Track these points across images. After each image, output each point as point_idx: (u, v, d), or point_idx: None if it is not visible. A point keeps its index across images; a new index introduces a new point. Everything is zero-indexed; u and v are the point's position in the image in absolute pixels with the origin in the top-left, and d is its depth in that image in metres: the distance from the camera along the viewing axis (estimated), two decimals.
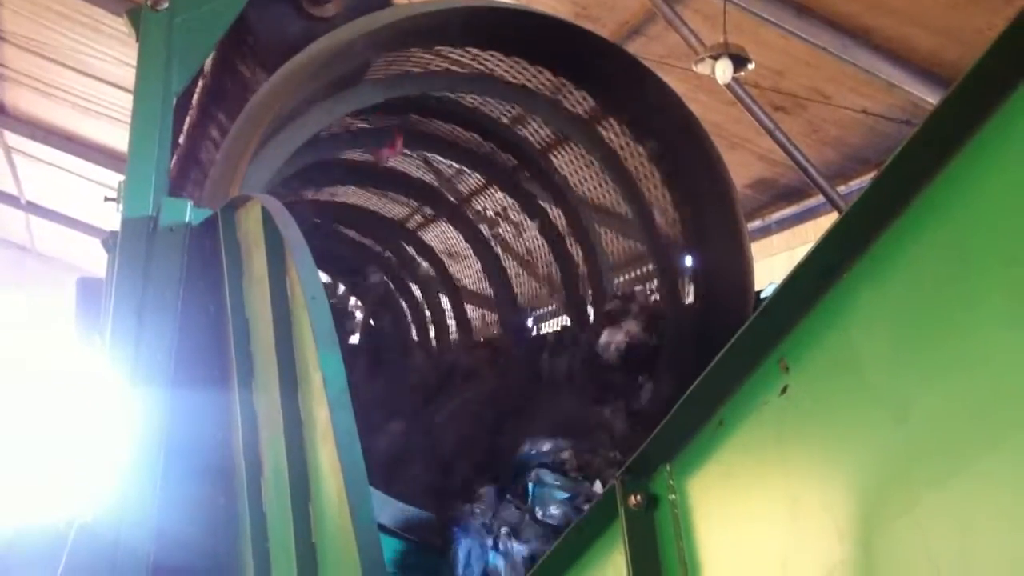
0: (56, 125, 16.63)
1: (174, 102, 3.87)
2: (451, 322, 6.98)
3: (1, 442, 14.45)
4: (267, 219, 2.91)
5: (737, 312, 4.15)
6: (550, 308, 5.98)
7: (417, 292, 7.35)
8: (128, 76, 11.22)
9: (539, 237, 5.72)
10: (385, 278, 7.53)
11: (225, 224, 3.39)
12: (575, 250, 5.45)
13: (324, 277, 7.43)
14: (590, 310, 5.33)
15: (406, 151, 5.76)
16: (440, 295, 7.09)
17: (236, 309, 3.22)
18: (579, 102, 4.63)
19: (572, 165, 5.18)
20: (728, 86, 8.29)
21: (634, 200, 4.73)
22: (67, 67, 13.98)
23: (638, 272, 5.08)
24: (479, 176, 5.79)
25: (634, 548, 1.55)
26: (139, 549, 3.25)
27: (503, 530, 3.18)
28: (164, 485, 3.30)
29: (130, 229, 3.62)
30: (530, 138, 5.21)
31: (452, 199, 6.30)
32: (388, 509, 3.07)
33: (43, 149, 17.26)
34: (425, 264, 7.08)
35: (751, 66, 7.89)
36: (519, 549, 3.13)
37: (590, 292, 5.35)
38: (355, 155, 5.79)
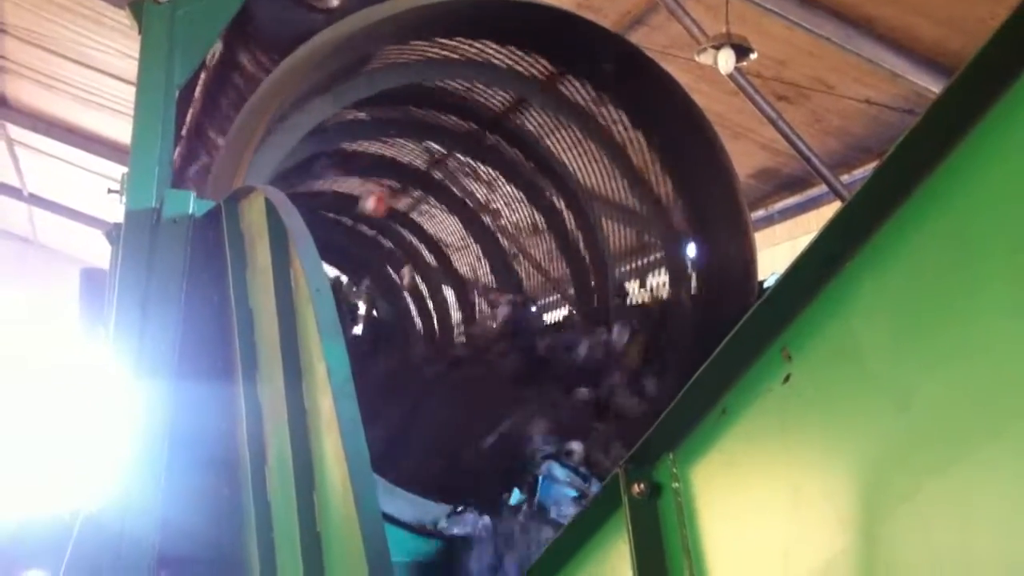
0: (58, 117, 16.62)
1: (177, 94, 3.87)
2: (455, 313, 6.98)
3: (6, 436, 14.48)
4: (271, 210, 2.92)
5: (740, 301, 4.15)
6: (552, 299, 5.98)
7: (420, 283, 7.34)
8: (130, 68, 11.20)
9: (542, 227, 5.72)
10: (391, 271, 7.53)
11: (228, 215, 3.39)
12: (579, 240, 5.44)
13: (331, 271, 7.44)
14: (594, 302, 5.33)
15: (404, 141, 5.79)
16: (444, 286, 7.09)
17: (240, 300, 3.22)
18: (581, 92, 4.64)
19: (576, 157, 5.18)
20: (731, 76, 8.27)
21: (638, 190, 4.73)
22: (69, 59, 13.97)
23: (641, 263, 5.09)
24: (479, 165, 5.79)
25: (638, 536, 1.55)
26: (144, 540, 3.26)
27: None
28: (169, 476, 3.31)
29: (134, 221, 3.63)
30: (531, 128, 5.21)
31: (454, 189, 6.30)
32: (392, 498, 3.08)
33: (45, 141, 17.25)
34: (428, 254, 7.09)
35: (754, 56, 7.87)
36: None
37: (593, 283, 5.35)
38: (357, 146, 5.80)
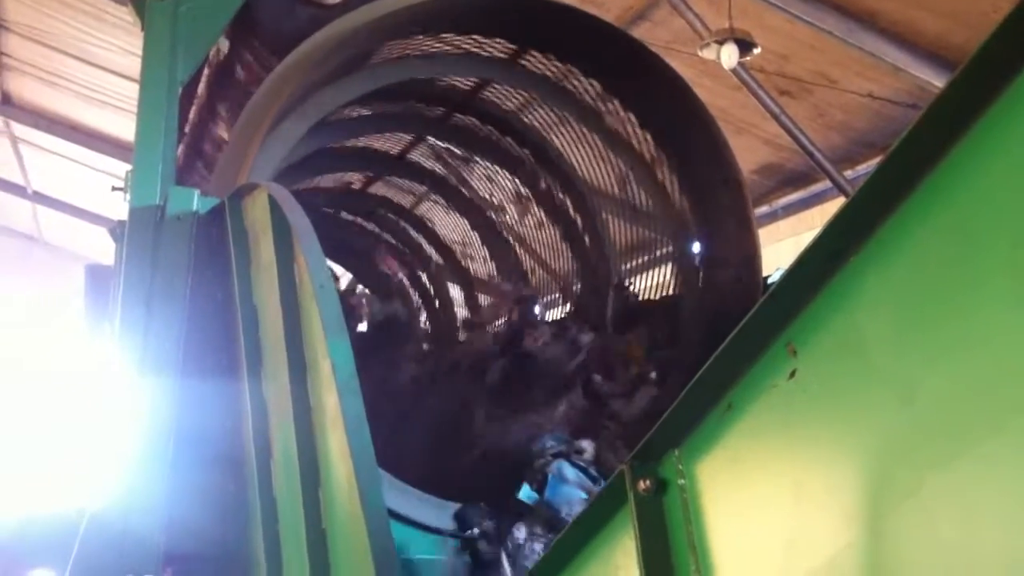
0: (61, 114, 16.62)
1: (180, 91, 3.87)
2: (460, 310, 6.98)
3: (12, 434, 14.50)
4: (274, 207, 2.92)
5: (744, 297, 4.15)
6: (556, 296, 5.98)
7: (425, 280, 7.34)
8: (133, 65, 11.20)
9: (547, 223, 5.72)
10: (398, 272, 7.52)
11: (232, 212, 3.40)
12: (583, 236, 5.44)
13: (337, 269, 7.44)
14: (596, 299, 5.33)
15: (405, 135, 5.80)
16: (450, 283, 7.09)
17: (244, 297, 3.22)
18: (586, 87, 4.64)
19: (581, 153, 5.18)
20: (733, 71, 8.27)
21: (641, 186, 4.73)
22: (71, 56, 13.97)
23: (644, 258, 5.09)
24: (485, 162, 5.79)
25: (643, 532, 1.55)
26: (149, 538, 3.27)
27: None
28: (174, 473, 3.31)
29: (138, 218, 3.63)
30: (537, 124, 5.21)
31: (460, 186, 6.30)
32: (398, 494, 3.08)
33: (49, 139, 17.25)
34: (434, 252, 7.08)
35: (756, 51, 7.87)
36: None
37: (598, 280, 5.35)
38: (361, 142, 5.80)
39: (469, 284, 6.85)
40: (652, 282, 4.96)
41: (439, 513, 3.20)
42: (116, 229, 4.41)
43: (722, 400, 1.48)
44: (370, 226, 7.33)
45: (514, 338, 5.29)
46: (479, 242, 6.50)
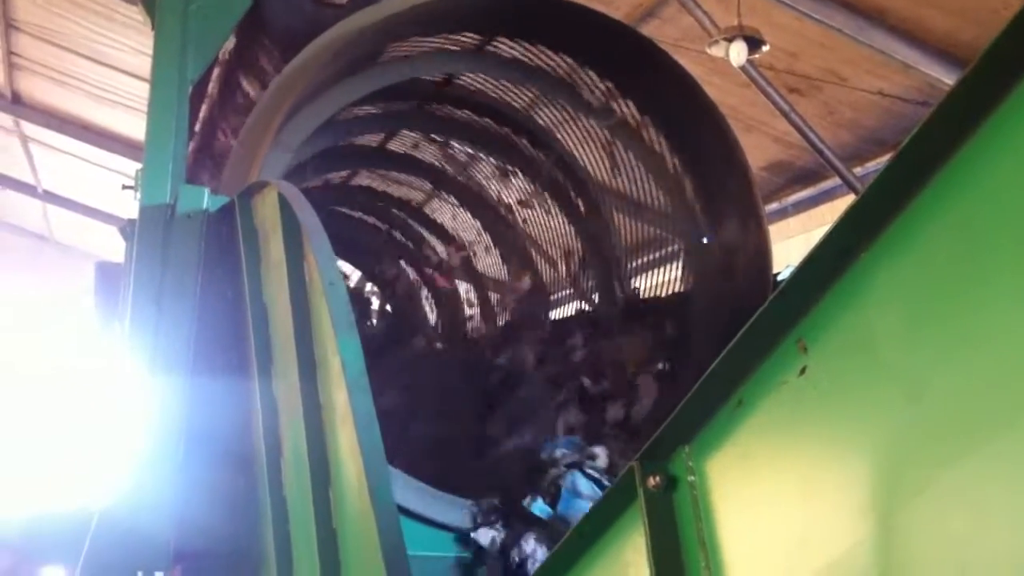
0: (72, 114, 16.65)
1: (190, 90, 3.88)
2: (469, 309, 6.98)
3: (22, 432, 14.54)
4: (284, 205, 2.93)
5: (755, 294, 4.15)
6: (566, 292, 5.98)
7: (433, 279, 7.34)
8: (143, 65, 11.23)
9: (556, 220, 5.72)
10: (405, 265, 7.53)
11: (242, 210, 3.40)
12: (592, 233, 5.44)
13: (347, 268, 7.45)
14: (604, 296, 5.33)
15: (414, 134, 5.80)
16: (459, 281, 7.09)
17: (254, 295, 3.23)
18: (596, 85, 4.64)
19: (589, 150, 5.18)
20: (743, 68, 8.26)
21: (651, 184, 4.73)
22: (82, 56, 13.99)
23: (652, 256, 5.09)
24: (494, 160, 5.80)
25: (653, 529, 1.55)
26: (159, 535, 3.28)
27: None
28: (184, 471, 3.32)
29: (148, 217, 3.64)
30: (545, 122, 5.21)
31: (468, 184, 6.30)
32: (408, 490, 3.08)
33: (59, 138, 17.28)
34: (442, 249, 7.09)
35: (765, 48, 7.86)
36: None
37: (607, 277, 5.35)
38: (368, 140, 5.81)
39: (479, 281, 6.85)
40: (660, 279, 4.96)
41: (450, 509, 3.20)
42: (126, 228, 4.42)
43: (732, 396, 1.48)
44: (382, 225, 7.35)
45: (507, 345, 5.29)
46: (489, 239, 6.50)
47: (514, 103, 5.20)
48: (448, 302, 7.15)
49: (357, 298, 7.29)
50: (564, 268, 5.86)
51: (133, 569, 3.27)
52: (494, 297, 6.71)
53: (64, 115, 16.74)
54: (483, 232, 6.51)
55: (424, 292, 7.41)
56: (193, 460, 3.33)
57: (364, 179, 6.70)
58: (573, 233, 5.62)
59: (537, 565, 3.02)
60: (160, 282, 3.52)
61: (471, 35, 4.54)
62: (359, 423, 2.28)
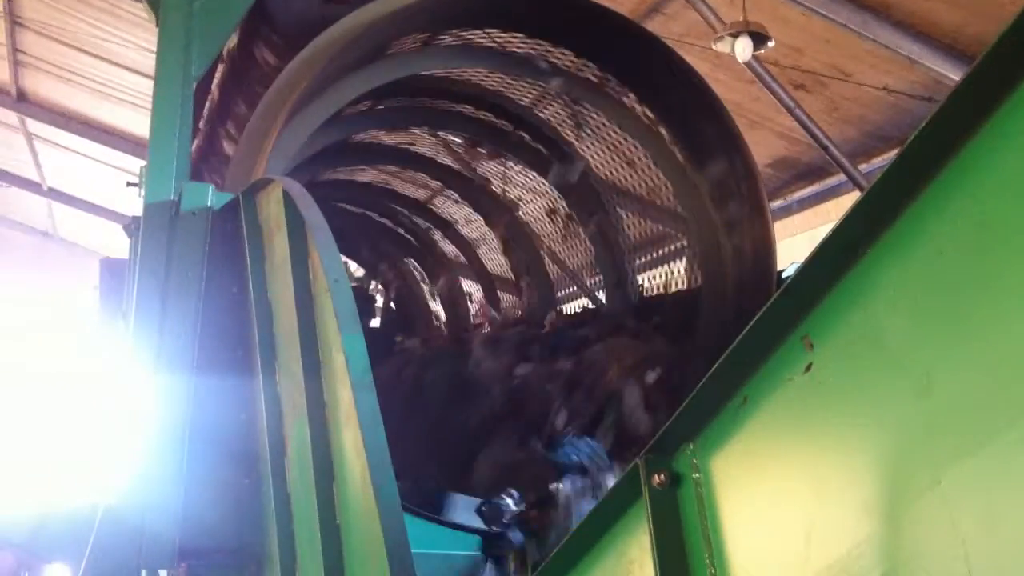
0: (76, 111, 16.69)
1: (194, 86, 3.87)
2: (472, 305, 6.98)
3: (28, 430, 14.56)
4: (288, 202, 2.92)
5: (759, 291, 4.14)
6: (571, 290, 5.98)
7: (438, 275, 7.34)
8: (147, 62, 11.25)
9: (561, 219, 5.71)
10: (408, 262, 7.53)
11: (247, 207, 3.40)
12: (596, 231, 5.44)
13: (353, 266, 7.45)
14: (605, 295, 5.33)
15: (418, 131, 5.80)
16: (464, 279, 7.09)
17: (259, 292, 3.23)
18: (601, 81, 4.63)
19: (595, 147, 5.17)
20: (748, 64, 8.26)
21: (657, 179, 4.73)
22: (86, 53, 14.02)
23: (656, 253, 5.08)
24: (500, 154, 5.79)
25: (658, 526, 1.55)
26: (164, 533, 3.27)
27: None
28: (189, 469, 3.31)
29: (152, 214, 3.63)
30: (551, 119, 5.21)
31: (473, 179, 6.30)
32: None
33: (64, 135, 17.33)
34: (450, 246, 7.09)
35: (771, 44, 7.86)
36: None
37: (609, 274, 5.35)
38: (371, 136, 5.81)
39: (486, 280, 6.85)
40: (665, 277, 4.95)
41: (459, 508, 3.20)
42: (131, 225, 4.42)
43: (737, 394, 1.48)
44: (388, 224, 7.35)
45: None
46: (495, 238, 6.49)
47: (520, 100, 5.19)
48: (453, 301, 7.15)
49: (360, 295, 7.30)
50: (575, 267, 5.86)
51: (138, 567, 3.26)
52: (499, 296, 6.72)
53: (69, 112, 16.78)
54: (488, 228, 6.51)
55: (427, 288, 7.43)
56: (197, 457, 3.32)
57: (370, 175, 6.70)
58: (582, 232, 5.61)
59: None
60: (164, 279, 3.51)
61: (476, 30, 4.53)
62: (363, 420, 2.28)
